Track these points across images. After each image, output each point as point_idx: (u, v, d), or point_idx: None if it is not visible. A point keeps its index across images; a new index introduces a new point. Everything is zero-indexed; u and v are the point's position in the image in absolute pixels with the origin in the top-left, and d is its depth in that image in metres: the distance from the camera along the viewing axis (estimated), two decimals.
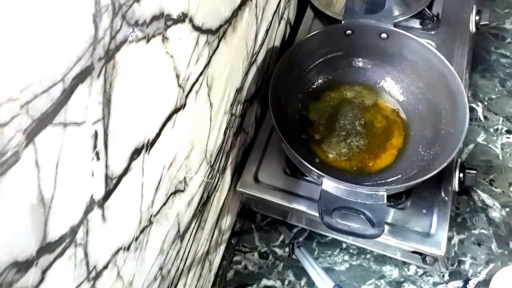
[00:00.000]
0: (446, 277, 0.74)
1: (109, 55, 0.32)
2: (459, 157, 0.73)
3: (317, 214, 0.61)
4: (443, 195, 0.70)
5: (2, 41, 0.23)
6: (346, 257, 0.78)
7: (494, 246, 0.77)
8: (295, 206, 0.70)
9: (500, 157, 0.85)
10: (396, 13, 0.85)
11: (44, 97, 0.27)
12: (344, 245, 0.78)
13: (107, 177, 0.36)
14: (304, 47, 0.78)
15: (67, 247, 0.33)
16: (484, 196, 0.81)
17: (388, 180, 0.72)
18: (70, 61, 0.28)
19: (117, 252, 0.41)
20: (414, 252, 0.69)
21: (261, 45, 0.75)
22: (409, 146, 0.76)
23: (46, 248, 0.30)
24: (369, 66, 0.83)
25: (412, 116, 0.78)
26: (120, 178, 0.38)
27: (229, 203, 0.76)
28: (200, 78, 0.51)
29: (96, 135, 0.33)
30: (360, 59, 0.83)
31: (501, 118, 0.89)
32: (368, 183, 0.72)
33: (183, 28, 0.43)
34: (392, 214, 0.69)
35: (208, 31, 0.50)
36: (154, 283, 0.52)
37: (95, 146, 0.33)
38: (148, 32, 0.37)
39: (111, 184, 0.37)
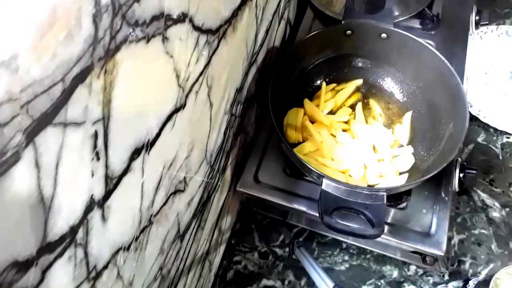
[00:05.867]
0: (446, 277, 0.74)
1: (109, 55, 0.32)
2: (459, 157, 0.73)
3: (317, 214, 0.61)
4: (443, 195, 0.70)
5: (2, 42, 0.23)
6: (346, 257, 0.78)
7: (494, 246, 0.77)
8: (295, 206, 0.70)
9: (500, 157, 0.85)
10: (396, 13, 0.85)
11: (44, 97, 0.27)
12: (344, 245, 0.78)
13: (107, 177, 0.36)
14: (304, 47, 0.78)
15: (67, 247, 0.33)
16: (484, 196, 0.81)
17: None
18: (70, 61, 0.28)
19: (117, 252, 0.41)
20: (414, 252, 0.69)
21: (261, 45, 0.75)
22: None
23: (46, 248, 0.30)
24: (369, 66, 0.83)
25: (412, 116, 0.78)
26: (120, 178, 0.38)
27: (229, 203, 0.76)
28: (200, 78, 0.51)
29: (96, 135, 0.33)
30: (360, 59, 0.83)
31: None
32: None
33: (183, 28, 0.43)
34: (392, 214, 0.69)
35: (208, 31, 0.50)
36: (154, 283, 0.52)
37: (95, 146, 0.33)
38: (148, 32, 0.37)
39: (111, 184, 0.37)
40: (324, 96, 0.79)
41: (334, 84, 0.82)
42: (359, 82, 0.82)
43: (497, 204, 0.81)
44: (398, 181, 0.70)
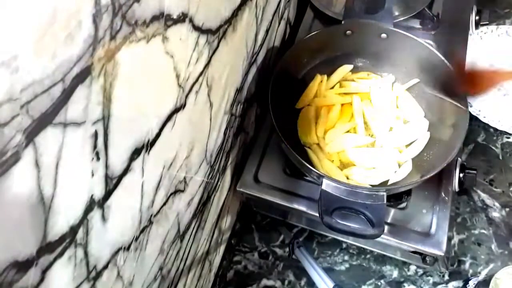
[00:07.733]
0: (446, 277, 0.74)
1: (109, 55, 0.32)
2: (459, 157, 0.73)
3: (317, 214, 0.61)
4: (443, 195, 0.70)
5: (2, 42, 0.23)
6: (346, 257, 0.78)
7: (494, 246, 0.77)
8: (295, 206, 0.70)
9: (500, 157, 0.85)
10: (396, 13, 0.85)
11: (44, 97, 0.27)
12: (344, 245, 0.78)
13: (107, 177, 0.36)
14: (304, 47, 0.78)
15: (67, 247, 0.33)
16: (484, 196, 0.81)
17: None
18: (70, 61, 0.28)
19: (117, 252, 0.41)
20: (414, 252, 0.69)
21: (261, 45, 0.75)
22: None
23: (46, 248, 0.30)
24: (369, 66, 0.83)
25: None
26: (120, 178, 0.38)
27: (229, 203, 0.76)
28: (200, 78, 0.51)
29: (96, 135, 0.33)
30: (360, 59, 0.83)
31: None
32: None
33: (183, 28, 0.43)
34: (392, 214, 0.69)
35: (208, 31, 0.50)
36: (154, 283, 0.52)
37: (95, 146, 0.33)
38: (148, 32, 0.37)
39: (111, 184, 0.37)
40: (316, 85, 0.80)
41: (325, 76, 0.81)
42: (348, 67, 0.81)
43: (497, 204, 0.81)
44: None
